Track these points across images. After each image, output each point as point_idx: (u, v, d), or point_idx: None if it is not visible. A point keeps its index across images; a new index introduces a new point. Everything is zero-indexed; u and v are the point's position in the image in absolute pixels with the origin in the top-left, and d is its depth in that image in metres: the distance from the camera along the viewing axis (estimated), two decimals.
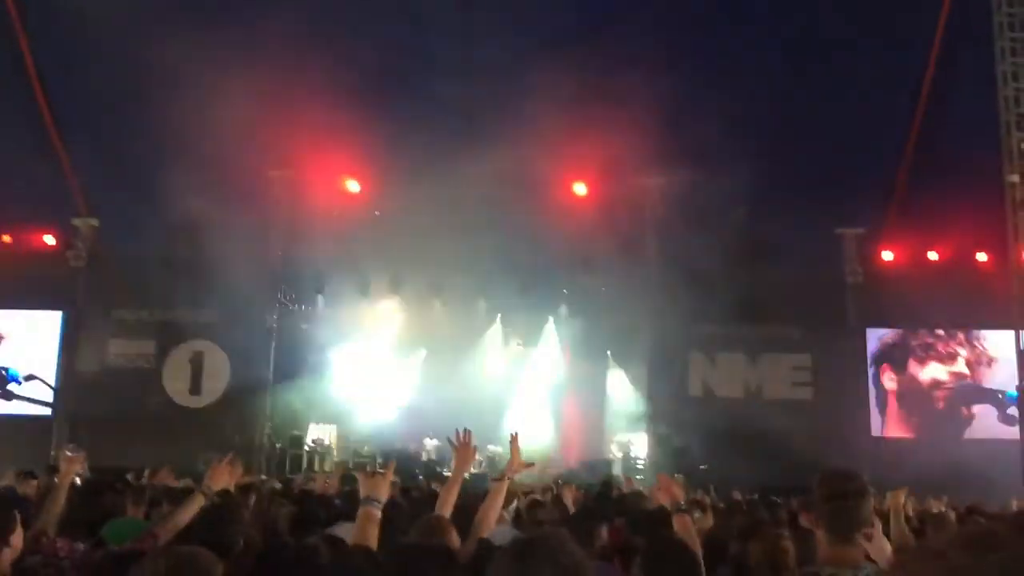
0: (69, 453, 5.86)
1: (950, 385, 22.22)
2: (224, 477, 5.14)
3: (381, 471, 4.40)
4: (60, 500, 5.08)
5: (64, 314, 22.64)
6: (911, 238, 21.82)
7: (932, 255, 21.98)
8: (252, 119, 17.35)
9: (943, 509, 9.44)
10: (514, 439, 5.45)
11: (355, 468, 19.86)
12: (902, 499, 5.90)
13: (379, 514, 4.03)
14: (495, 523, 4.85)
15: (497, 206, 18.27)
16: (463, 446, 5.35)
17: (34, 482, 8.33)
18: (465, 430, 5.32)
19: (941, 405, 22.26)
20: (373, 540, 3.93)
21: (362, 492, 4.17)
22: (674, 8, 20.76)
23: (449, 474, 18.72)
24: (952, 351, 22.33)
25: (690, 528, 4.38)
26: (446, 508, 4.85)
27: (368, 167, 21.17)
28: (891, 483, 10.99)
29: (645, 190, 21.66)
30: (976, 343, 22.23)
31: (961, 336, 22.29)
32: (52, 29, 19.73)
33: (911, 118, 20.90)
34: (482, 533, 4.59)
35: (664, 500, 4.63)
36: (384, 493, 4.16)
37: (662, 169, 20.98)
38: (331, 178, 21.55)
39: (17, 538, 3.89)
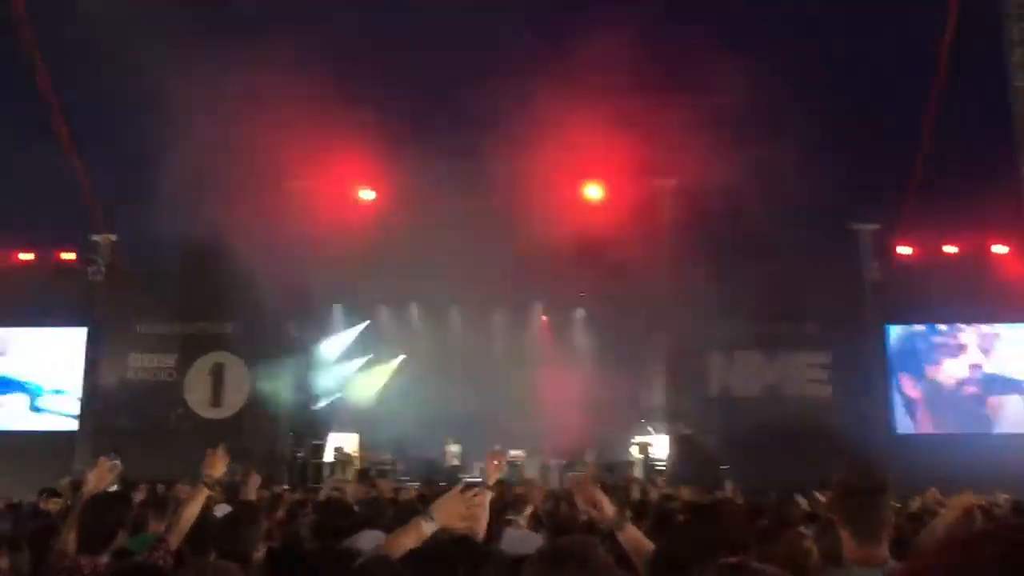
0: (107, 462, 5.86)
1: (974, 379, 22.10)
2: (220, 465, 5.20)
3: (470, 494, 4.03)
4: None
5: (85, 329, 22.86)
6: (927, 232, 21.72)
7: (949, 249, 21.88)
8: (269, 132, 17.45)
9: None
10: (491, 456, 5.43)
11: (377, 476, 19.97)
12: (970, 502, 5.30)
13: (429, 532, 3.75)
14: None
15: (512, 211, 18.29)
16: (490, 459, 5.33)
17: (57, 500, 8.40)
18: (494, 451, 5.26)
19: (965, 400, 22.13)
20: (406, 547, 3.64)
21: (434, 508, 3.90)
22: (685, 7, 20.78)
23: (471, 480, 18.75)
24: (960, 342, 22.24)
25: (635, 537, 3.96)
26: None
27: (384, 176, 21.24)
28: (912, 482, 11.05)
29: (659, 191, 21.67)
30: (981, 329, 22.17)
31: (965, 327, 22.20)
32: (67, 45, 19.87)
33: (924, 111, 20.81)
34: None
35: (600, 517, 4.16)
36: (450, 520, 3.82)
37: (675, 170, 20.98)
38: (346, 188, 21.63)
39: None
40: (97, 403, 22.31)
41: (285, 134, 18.17)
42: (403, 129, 19.09)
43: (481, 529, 4.62)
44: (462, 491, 4.03)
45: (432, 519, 3.79)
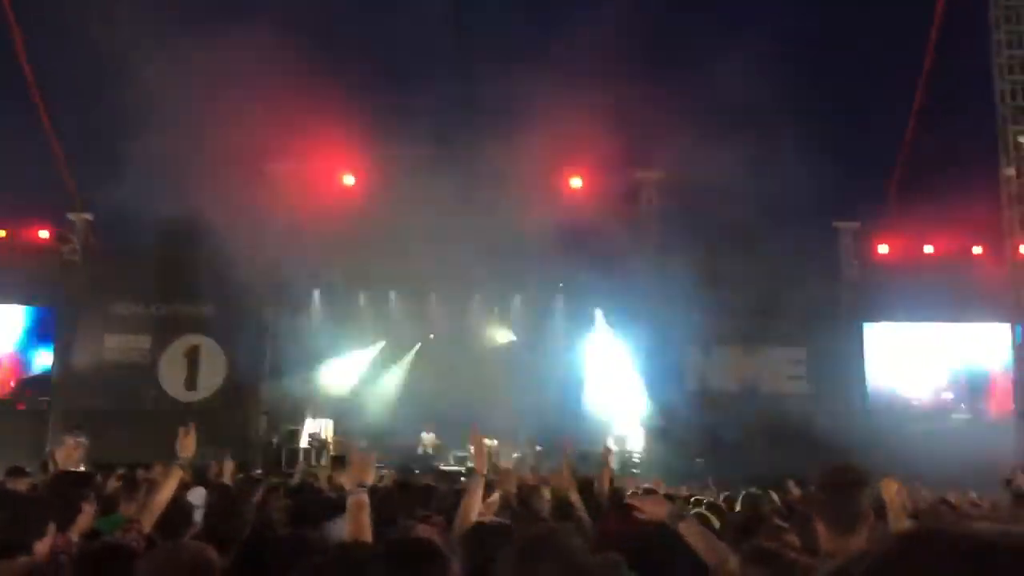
0: (72, 440, 5.86)
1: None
2: (190, 444, 5.24)
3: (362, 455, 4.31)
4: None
5: (59, 309, 22.62)
6: (907, 232, 21.85)
7: (928, 249, 22.01)
8: (249, 113, 17.30)
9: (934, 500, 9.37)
10: (475, 436, 5.43)
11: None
12: (895, 489, 5.54)
13: (367, 499, 4.00)
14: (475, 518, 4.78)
15: (493, 199, 18.23)
16: (478, 445, 5.37)
17: (25, 479, 8.27)
18: (473, 427, 5.32)
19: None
20: (368, 527, 3.89)
21: (349, 482, 4.13)
22: (672, 4, 20.80)
23: (445, 468, 18.62)
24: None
25: (700, 531, 3.88)
26: (470, 514, 4.73)
27: (365, 161, 21.13)
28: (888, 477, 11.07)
29: (641, 183, 21.67)
30: None
31: None
32: (46, 21, 19.63)
33: (907, 112, 20.91)
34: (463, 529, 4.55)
35: (655, 515, 4.09)
36: (369, 477, 4.15)
37: (658, 162, 20.99)
38: (328, 172, 21.50)
39: (47, 540, 3.93)
40: (69, 383, 22.08)
41: (266, 116, 18.03)
42: (385, 115, 19.00)
43: (471, 520, 4.60)
44: (350, 457, 4.37)
45: (360, 488, 3.99)
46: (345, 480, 4.28)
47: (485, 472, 5.08)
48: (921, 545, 0.86)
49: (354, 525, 3.90)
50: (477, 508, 4.84)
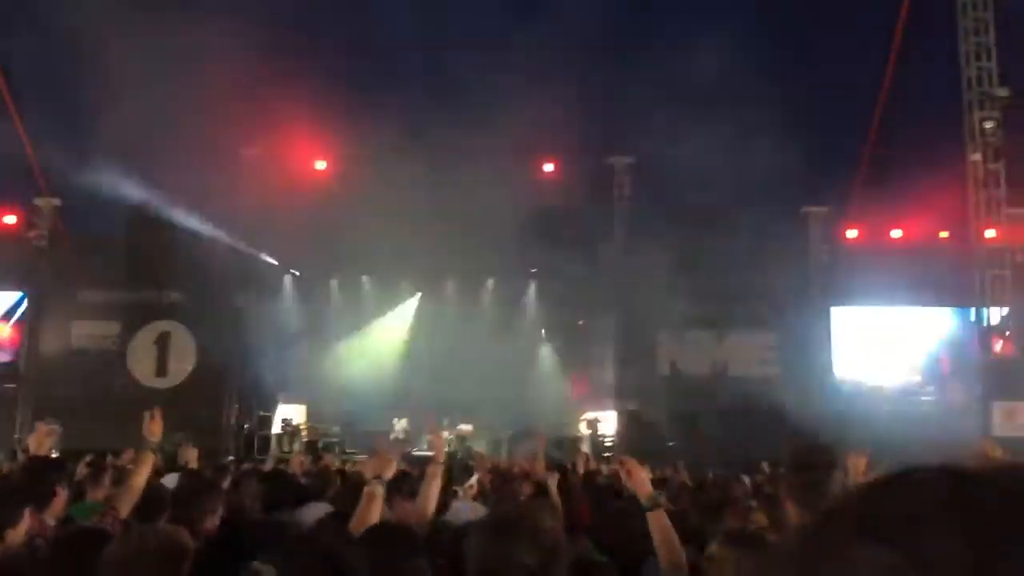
0: (45, 426, 5.82)
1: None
2: (157, 428, 5.21)
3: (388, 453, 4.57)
4: None
5: (26, 295, 22.35)
6: (875, 216, 22.05)
7: (896, 233, 22.22)
8: (222, 98, 17.14)
9: None
10: (431, 425, 5.87)
11: (324, 448, 19.86)
12: (863, 464, 5.56)
13: (382, 491, 4.22)
14: (433, 507, 4.87)
15: (466, 185, 18.21)
16: (436, 436, 5.66)
17: None
18: (431, 421, 5.72)
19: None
20: (376, 517, 4.05)
21: (369, 473, 4.39)
22: None
23: (418, 453, 18.67)
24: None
25: (666, 526, 3.67)
26: (430, 501, 4.83)
27: (337, 147, 21.02)
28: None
29: (613, 169, 21.72)
30: None
31: None
32: (11, 6, 19.33)
33: (875, 97, 21.07)
34: (424, 517, 4.63)
35: (637, 487, 4.01)
36: (390, 472, 4.39)
37: (630, 148, 21.03)
38: (301, 157, 21.36)
39: (22, 527, 3.92)
40: (38, 371, 21.84)
41: (237, 102, 17.87)
42: (357, 101, 18.93)
43: (430, 506, 4.71)
44: (376, 448, 4.90)
45: (378, 480, 4.22)
46: (367, 471, 4.50)
47: (442, 461, 5.22)
48: (904, 476, 0.85)
49: (363, 514, 4.02)
50: (436, 495, 4.93)
